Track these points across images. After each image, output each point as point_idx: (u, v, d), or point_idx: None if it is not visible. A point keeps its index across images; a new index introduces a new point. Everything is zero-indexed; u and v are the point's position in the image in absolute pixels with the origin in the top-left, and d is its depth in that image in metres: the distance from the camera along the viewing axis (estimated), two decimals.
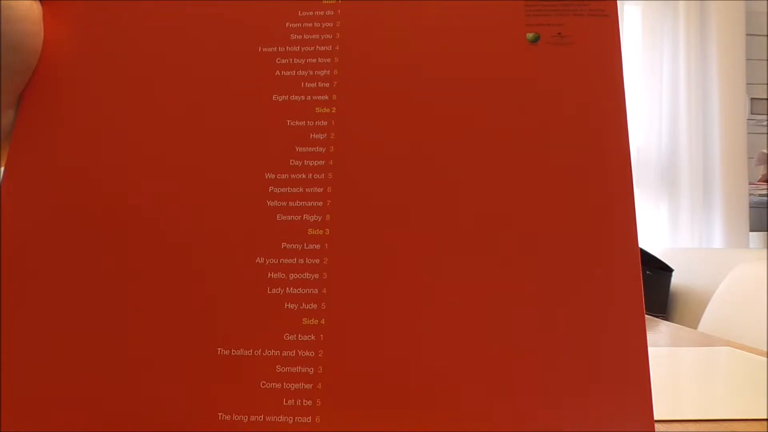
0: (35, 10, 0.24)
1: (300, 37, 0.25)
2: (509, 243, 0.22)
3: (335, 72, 0.24)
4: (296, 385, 0.21)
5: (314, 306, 0.22)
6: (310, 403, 0.21)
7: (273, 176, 0.23)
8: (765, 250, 1.82)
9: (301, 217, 0.23)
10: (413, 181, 0.23)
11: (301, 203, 0.23)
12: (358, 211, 0.23)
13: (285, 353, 0.21)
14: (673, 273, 1.58)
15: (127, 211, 0.23)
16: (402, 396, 0.21)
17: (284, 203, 0.23)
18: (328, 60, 0.24)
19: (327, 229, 0.22)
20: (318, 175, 0.23)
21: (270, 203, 0.23)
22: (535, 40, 0.24)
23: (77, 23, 0.25)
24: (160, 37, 0.25)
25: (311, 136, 0.23)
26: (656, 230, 2.08)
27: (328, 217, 0.23)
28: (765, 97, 2.12)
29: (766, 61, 2.15)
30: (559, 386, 0.21)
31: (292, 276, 0.22)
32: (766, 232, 2.11)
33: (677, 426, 0.32)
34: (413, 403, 0.21)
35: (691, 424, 0.33)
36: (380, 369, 0.21)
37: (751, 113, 2.12)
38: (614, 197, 0.22)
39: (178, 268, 0.22)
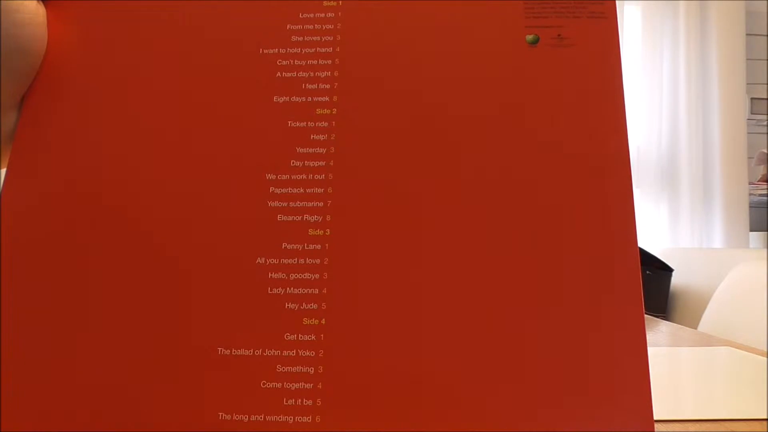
0: (40, 13, 0.24)
1: (301, 38, 0.25)
2: (509, 243, 0.22)
3: (336, 73, 0.24)
4: (296, 385, 0.21)
5: (315, 306, 0.22)
6: (310, 402, 0.21)
7: (274, 177, 0.23)
8: (765, 250, 1.82)
9: (302, 218, 0.23)
10: (413, 182, 0.23)
11: (301, 204, 0.23)
12: (358, 211, 0.23)
13: (285, 353, 0.21)
14: (673, 273, 1.58)
15: (129, 212, 0.23)
16: (401, 396, 0.21)
17: (285, 204, 0.23)
18: (329, 61, 0.24)
19: (327, 230, 0.22)
20: (318, 176, 0.23)
21: (271, 204, 0.23)
22: (535, 41, 0.24)
23: (80, 25, 0.26)
24: (162, 39, 0.25)
25: (312, 137, 0.24)
26: (656, 230, 2.08)
27: (328, 217, 0.23)
28: (765, 97, 2.12)
29: (766, 61, 2.15)
30: (558, 386, 0.21)
31: (292, 276, 0.22)
32: (766, 232, 2.11)
33: (677, 426, 0.32)
34: (413, 402, 0.21)
35: (691, 424, 0.33)
36: (380, 369, 0.21)
37: (751, 113, 2.11)
38: (614, 197, 0.22)
39: (179, 268, 0.22)
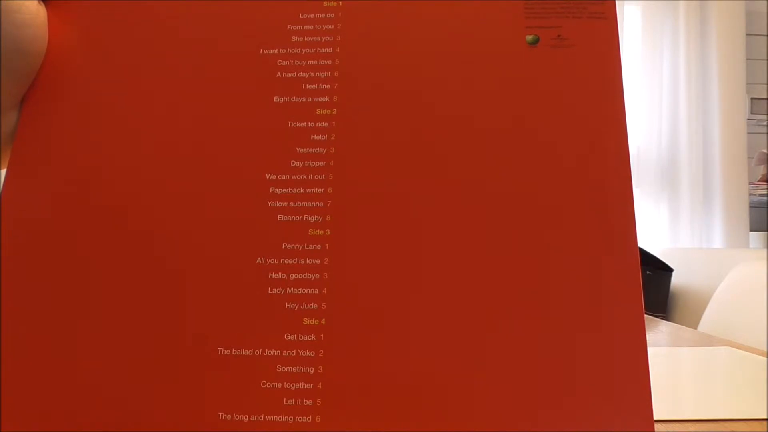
0: (41, 14, 0.24)
1: (301, 38, 0.25)
2: (508, 243, 0.22)
3: (336, 74, 0.24)
4: (296, 385, 0.21)
5: (315, 306, 0.22)
6: (310, 402, 0.21)
7: (274, 177, 0.23)
8: (765, 250, 1.82)
9: (302, 218, 0.23)
10: (413, 182, 0.23)
11: (301, 204, 0.23)
12: (358, 211, 0.23)
13: (285, 353, 0.21)
14: (673, 273, 1.58)
15: (129, 212, 0.23)
16: (401, 396, 0.21)
17: (285, 204, 0.23)
18: (329, 62, 0.24)
19: (327, 230, 0.22)
20: (319, 176, 0.23)
21: (271, 204, 0.23)
22: (535, 42, 0.24)
23: (80, 26, 0.26)
24: (162, 40, 0.25)
25: (312, 137, 0.24)
26: (656, 230, 2.07)
27: (328, 217, 0.23)
28: (765, 97, 2.12)
29: (766, 61, 2.14)
30: (558, 386, 0.21)
31: (292, 276, 0.22)
32: (766, 232, 2.11)
33: (677, 426, 0.32)
34: (413, 403, 0.21)
35: (691, 424, 0.33)
36: (380, 369, 0.21)
37: (751, 113, 2.11)
38: (614, 197, 0.22)
39: (179, 267, 0.22)
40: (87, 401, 0.21)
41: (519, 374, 0.21)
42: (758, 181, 2.07)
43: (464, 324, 0.21)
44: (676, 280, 1.58)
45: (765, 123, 2.14)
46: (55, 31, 0.25)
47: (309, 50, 0.25)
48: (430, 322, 0.21)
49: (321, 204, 0.23)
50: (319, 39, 0.25)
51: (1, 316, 0.22)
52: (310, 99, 0.24)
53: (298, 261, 0.22)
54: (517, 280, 0.22)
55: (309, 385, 0.21)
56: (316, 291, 0.22)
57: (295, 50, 0.25)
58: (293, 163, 0.23)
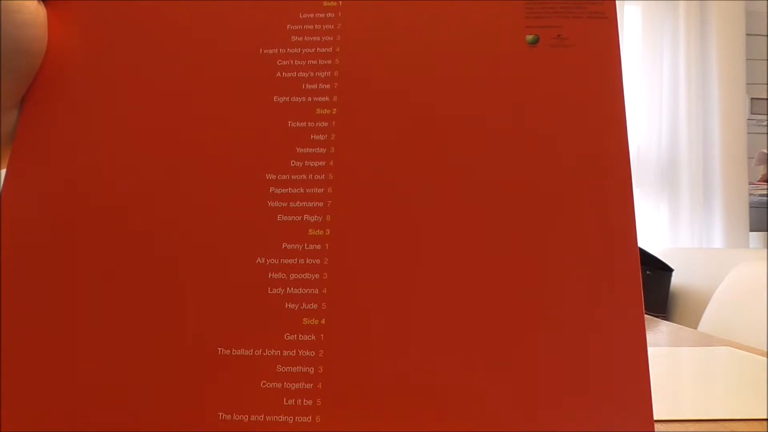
0: (41, 14, 0.24)
1: (301, 38, 0.25)
2: (508, 243, 0.22)
3: (336, 73, 0.24)
4: (296, 385, 0.21)
5: (315, 306, 0.22)
6: (310, 402, 0.21)
7: (274, 177, 0.23)
8: (765, 250, 1.82)
9: (302, 218, 0.23)
10: (413, 182, 0.23)
11: (301, 204, 0.23)
12: (358, 211, 0.23)
13: (285, 353, 0.21)
14: (673, 273, 1.58)
15: (129, 212, 0.23)
16: (401, 396, 0.21)
17: (285, 204, 0.23)
18: (329, 61, 0.24)
19: (327, 230, 0.22)
20: (318, 176, 0.23)
21: (271, 204, 0.23)
22: (535, 42, 0.24)
23: (80, 26, 0.26)
24: (161, 39, 0.25)
25: (312, 137, 0.24)
26: (656, 230, 2.08)
27: (328, 217, 0.23)
28: (765, 97, 2.12)
29: (766, 61, 2.14)
30: (558, 386, 0.21)
31: (292, 276, 0.22)
32: (766, 232, 2.11)
33: (677, 426, 0.32)
34: (413, 403, 0.21)
35: (691, 424, 0.33)
36: (380, 369, 0.21)
37: (751, 113, 2.11)
38: (614, 197, 0.22)
39: (179, 268, 0.22)
40: (87, 401, 0.21)
41: (518, 374, 0.21)
42: (758, 181, 2.07)
43: (464, 324, 0.21)
44: (676, 280, 1.58)
45: (765, 123, 2.14)
46: (55, 31, 0.25)
47: (309, 50, 0.25)
48: (430, 322, 0.21)
49: (321, 204, 0.23)
50: (319, 39, 0.25)
51: (1, 316, 0.22)
52: (310, 99, 0.24)
53: (298, 261, 0.22)
54: (516, 280, 0.22)
55: (309, 385, 0.21)
56: (316, 291, 0.22)
57: (295, 50, 0.25)
58: (293, 163, 0.23)
